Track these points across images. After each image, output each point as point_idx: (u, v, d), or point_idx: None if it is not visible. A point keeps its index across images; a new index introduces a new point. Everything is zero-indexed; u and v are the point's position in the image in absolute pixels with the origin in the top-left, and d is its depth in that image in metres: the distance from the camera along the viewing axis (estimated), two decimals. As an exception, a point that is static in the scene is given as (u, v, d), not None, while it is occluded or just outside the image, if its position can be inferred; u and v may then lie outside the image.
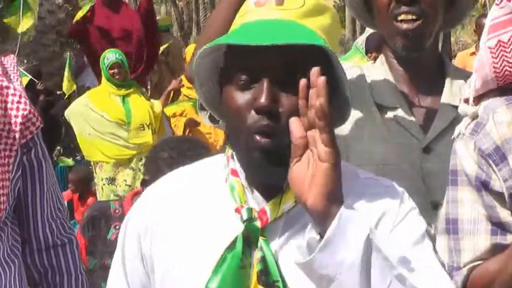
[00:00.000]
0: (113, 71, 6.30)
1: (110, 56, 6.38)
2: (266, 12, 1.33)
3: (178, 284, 1.37)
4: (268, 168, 1.30)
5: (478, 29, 7.55)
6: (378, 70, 2.04)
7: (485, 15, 8.65)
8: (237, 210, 1.34)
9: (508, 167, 1.53)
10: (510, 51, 1.57)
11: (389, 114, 1.96)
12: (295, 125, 1.24)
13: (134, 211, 1.49)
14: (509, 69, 1.58)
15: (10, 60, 2.02)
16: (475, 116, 1.61)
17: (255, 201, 1.36)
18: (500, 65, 1.58)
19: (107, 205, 3.35)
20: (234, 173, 1.38)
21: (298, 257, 1.24)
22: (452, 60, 8.81)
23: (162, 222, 1.41)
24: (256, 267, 1.31)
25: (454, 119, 1.92)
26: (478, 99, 1.64)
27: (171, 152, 2.56)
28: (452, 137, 1.65)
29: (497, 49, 1.59)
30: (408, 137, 1.94)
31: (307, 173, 1.23)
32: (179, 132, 6.53)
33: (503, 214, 1.55)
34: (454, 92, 1.99)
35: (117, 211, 3.33)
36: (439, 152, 1.91)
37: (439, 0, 1.92)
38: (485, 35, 1.63)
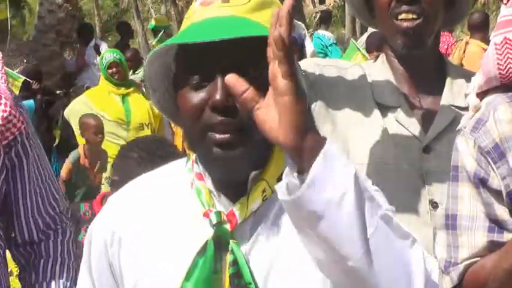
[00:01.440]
0: (111, 70, 6.30)
1: (108, 55, 6.39)
2: (212, 10, 1.30)
3: None
4: (230, 164, 1.26)
5: (472, 26, 7.53)
6: (379, 69, 2.03)
7: (478, 12, 8.63)
8: (206, 215, 1.31)
9: (506, 165, 1.54)
10: None
11: (390, 114, 1.96)
12: (233, 80, 1.19)
13: (98, 220, 1.46)
14: None
15: None
16: (477, 109, 1.62)
17: (222, 204, 1.33)
18: (505, 62, 1.59)
19: (76, 207, 3.35)
20: (199, 177, 1.35)
21: (283, 195, 1.17)
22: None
23: (128, 230, 1.38)
24: (228, 271, 1.28)
25: (454, 119, 1.92)
26: (483, 95, 1.63)
27: (140, 152, 2.58)
28: (458, 128, 1.66)
29: (503, 46, 1.59)
30: (408, 136, 1.94)
31: (274, 112, 1.17)
32: (179, 131, 6.53)
33: (500, 211, 1.56)
34: (454, 92, 1.99)
35: (86, 213, 3.33)
36: (439, 151, 1.91)
37: (439, -1, 1.92)
38: (493, 33, 1.63)
